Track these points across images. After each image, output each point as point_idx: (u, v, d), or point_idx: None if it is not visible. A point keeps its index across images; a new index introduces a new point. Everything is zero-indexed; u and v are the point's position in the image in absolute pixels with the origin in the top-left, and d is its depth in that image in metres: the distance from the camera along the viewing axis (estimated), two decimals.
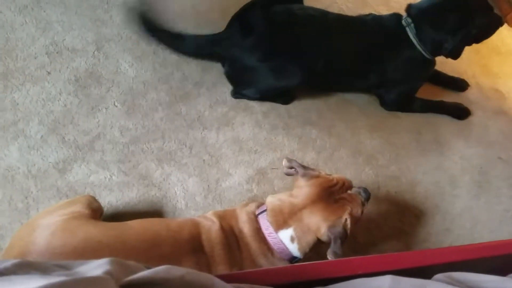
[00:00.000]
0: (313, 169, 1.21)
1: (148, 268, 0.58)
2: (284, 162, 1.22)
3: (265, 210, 1.17)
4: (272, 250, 1.14)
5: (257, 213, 1.19)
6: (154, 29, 1.64)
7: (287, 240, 1.12)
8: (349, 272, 0.77)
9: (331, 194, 1.16)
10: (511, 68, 2.44)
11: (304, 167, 1.20)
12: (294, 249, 1.13)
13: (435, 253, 0.90)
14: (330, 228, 1.10)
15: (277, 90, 1.71)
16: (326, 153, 1.71)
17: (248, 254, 1.13)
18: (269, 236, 1.13)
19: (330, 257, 1.07)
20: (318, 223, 1.11)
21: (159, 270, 0.49)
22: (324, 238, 1.12)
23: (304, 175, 1.18)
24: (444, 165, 1.87)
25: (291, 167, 1.21)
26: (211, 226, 1.13)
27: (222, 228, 1.13)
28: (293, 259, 1.16)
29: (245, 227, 1.15)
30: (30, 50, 1.52)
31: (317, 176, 1.18)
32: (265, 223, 1.15)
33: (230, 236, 1.13)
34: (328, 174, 1.21)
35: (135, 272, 0.51)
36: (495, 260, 0.96)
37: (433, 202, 1.74)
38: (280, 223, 1.13)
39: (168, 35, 1.66)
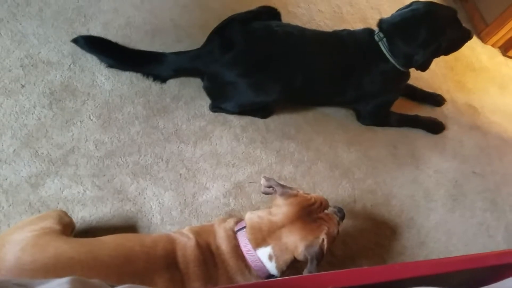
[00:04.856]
0: (291, 188, 1.22)
1: (112, 286, 0.58)
2: (263, 181, 1.22)
3: (244, 227, 1.17)
4: (250, 268, 1.14)
5: (235, 229, 1.19)
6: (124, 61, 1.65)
7: (265, 258, 1.13)
8: (319, 287, 0.77)
9: (309, 213, 1.16)
10: (485, 84, 2.51)
11: (282, 186, 1.21)
12: (272, 267, 1.13)
13: (405, 267, 0.91)
14: (307, 247, 1.11)
15: (255, 105, 1.72)
16: (304, 167, 1.72)
17: (225, 271, 1.12)
18: (247, 253, 1.14)
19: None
20: (296, 242, 1.12)
21: None
22: (300, 257, 1.12)
23: (282, 194, 1.18)
24: (420, 179, 1.90)
25: (269, 186, 1.22)
26: (186, 242, 1.12)
27: (198, 244, 1.12)
28: (270, 277, 1.16)
29: (223, 244, 1.15)
30: (5, 63, 1.50)
31: (296, 195, 1.19)
32: (243, 240, 1.15)
33: (206, 252, 1.12)
34: (306, 193, 1.22)
35: None
36: (466, 273, 0.97)
37: (409, 215, 1.76)
38: (259, 241, 1.13)
39: (144, 64, 1.66)
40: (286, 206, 1.16)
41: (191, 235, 1.14)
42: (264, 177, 1.22)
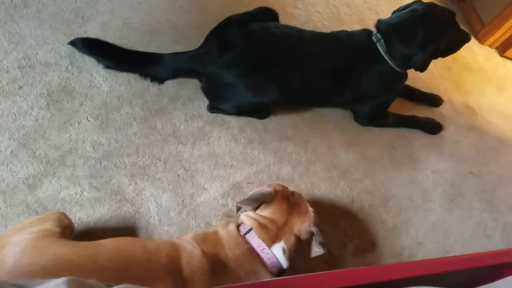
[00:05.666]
0: (262, 188, 1.30)
1: (110, 287, 0.58)
2: (247, 208, 1.26)
3: (250, 230, 1.21)
4: (266, 266, 1.18)
5: (242, 233, 1.21)
6: (123, 61, 1.65)
7: (279, 253, 1.20)
8: (317, 287, 0.77)
9: (292, 201, 1.30)
10: (482, 84, 2.52)
11: (260, 195, 1.26)
12: (284, 260, 1.20)
13: (402, 267, 0.91)
14: (310, 225, 1.25)
15: (253, 106, 1.72)
16: (301, 168, 1.72)
17: (237, 276, 1.13)
18: (262, 252, 1.18)
19: (317, 248, 1.24)
20: (300, 228, 1.25)
21: None
22: (306, 236, 1.25)
23: (271, 200, 1.26)
24: (417, 179, 1.90)
25: (257, 205, 1.27)
26: (192, 250, 1.12)
27: (204, 253, 1.12)
28: (281, 272, 1.21)
29: (236, 251, 1.17)
30: (2, 64, 1.50)
31: (276, 193, 1.28)
32: (256, 241, 1.19)
33: (214, 261, 1.13)
34: (269, 185, 1.32)
35: None
36: (463, 273, 0.98)
37: (406, 216, 1.76)
38: (273, 238, 1.21)
39: (142, 65, 1.66)
40: (276, 206, 1.26)
41: (196, 244, 1.15)
42: (240, 203, 1.25)
